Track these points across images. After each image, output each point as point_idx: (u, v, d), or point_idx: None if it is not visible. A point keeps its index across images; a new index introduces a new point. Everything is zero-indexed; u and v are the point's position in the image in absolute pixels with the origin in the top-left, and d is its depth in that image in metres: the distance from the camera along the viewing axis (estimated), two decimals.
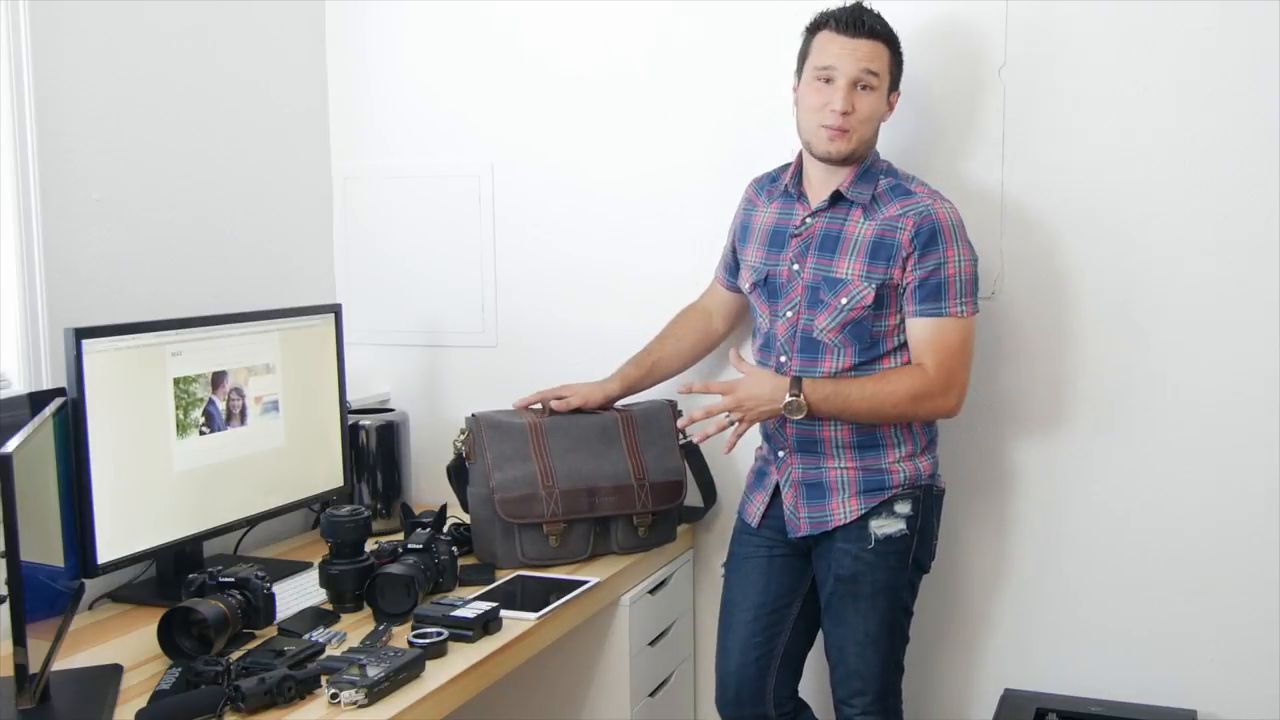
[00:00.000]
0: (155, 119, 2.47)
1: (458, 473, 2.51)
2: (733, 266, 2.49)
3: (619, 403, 2.57)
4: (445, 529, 2.43)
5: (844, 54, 2.21)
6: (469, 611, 2.01)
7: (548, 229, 2.86)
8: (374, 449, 2.75)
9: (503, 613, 2.06)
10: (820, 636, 2.39)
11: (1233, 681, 2.42)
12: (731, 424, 2.27)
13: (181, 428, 2.22)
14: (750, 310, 2.44)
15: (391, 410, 2.87)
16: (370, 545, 2.21)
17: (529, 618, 2.10)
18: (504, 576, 2.33)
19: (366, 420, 2.76)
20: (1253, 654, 2.40)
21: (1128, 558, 2.48)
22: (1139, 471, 2.46)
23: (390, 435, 2.78)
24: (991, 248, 2.48)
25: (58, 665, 1.78)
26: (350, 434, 2.68)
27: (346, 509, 2.19)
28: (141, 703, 1.71)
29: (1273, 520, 2.37)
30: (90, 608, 2.21)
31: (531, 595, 2.23)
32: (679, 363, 2.60)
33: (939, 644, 2.63)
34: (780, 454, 2.33)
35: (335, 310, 2.63)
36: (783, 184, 2.36)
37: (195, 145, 2.57)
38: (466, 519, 2.50)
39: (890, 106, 2.28)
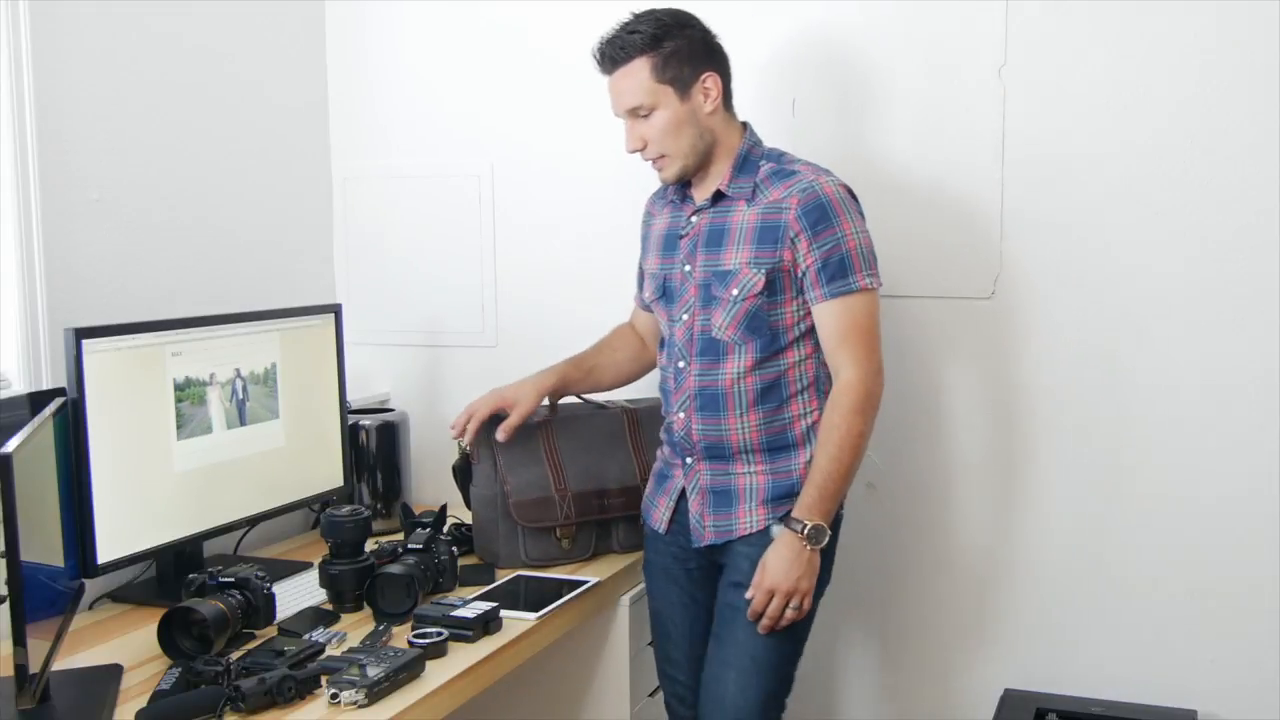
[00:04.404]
0: (155, 119, 2.47)
1: (463, 472, 2.51)
2: (641, 282, 2.39)
3: (618, 399, 2.55)
4: (445, 529, 2.42)
5: (610, 94, 2.17)
6: (469, 611, 2.01)
7: (548, 229, 2.86)
8: (374, 449, 2.75)
9: (503, 613, 2.06)
10: (795, 648, 2.18)
11: (1233, 681, 2.42)
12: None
13: (181, 423, 2.22)
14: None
15: (391, 410, 2.87)
16: (370, 545, 2.21)
17: (529, 618, 2.10)
18: (504, 576, 2.33)
19: (366, 420, 2.76)
20: (1253, 654, 2.40)
21: (1127, 557, 2.48)
22: (1139, 471, 2.46)
23: (390, 435, 2.78)
24: (991, 248, 2.49)
25: (58, 665, 1.78)
26: (350, 434, 2.68)
27: (346, 509, 2.19)
28: (141, 703, 1.71)
29: (1272, 520, 2.37)
30: (90, 608, 2.21)
31: (531, 595, 2.23)
32: (614, 374, 2.48)
33: (939, 644, 2.63)
34: (688, 460, 2.20)
35: (335, 310, 2.63)
36: (668, 191, 2.28)
37: (195, 145, 2.57)
38: (467, 519, 2.49)
39: (705, 94, 2.12)
